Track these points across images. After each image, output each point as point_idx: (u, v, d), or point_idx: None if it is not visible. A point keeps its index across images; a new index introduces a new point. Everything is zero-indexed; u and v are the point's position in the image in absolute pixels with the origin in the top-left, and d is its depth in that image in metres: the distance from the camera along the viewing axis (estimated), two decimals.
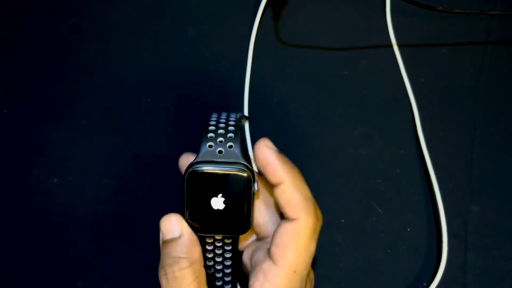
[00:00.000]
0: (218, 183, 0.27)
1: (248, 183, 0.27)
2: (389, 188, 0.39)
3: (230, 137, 0.28)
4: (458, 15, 0.43)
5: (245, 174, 0.27)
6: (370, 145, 0.41)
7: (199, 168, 0.27)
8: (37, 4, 0.45)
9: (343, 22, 0.44)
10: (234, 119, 0.29)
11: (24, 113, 0.41)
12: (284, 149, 0.40)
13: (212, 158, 0.27)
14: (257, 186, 0.28)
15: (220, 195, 0.27)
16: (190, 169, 0.27)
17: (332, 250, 0.38)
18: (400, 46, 0.43)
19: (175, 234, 0.28)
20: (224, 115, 0.30)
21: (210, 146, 0.27)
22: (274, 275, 0.27)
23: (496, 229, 0.38)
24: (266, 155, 0.27)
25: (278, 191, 0.27)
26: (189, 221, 0.28)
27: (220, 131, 0.28)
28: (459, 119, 0.41)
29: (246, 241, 0.31)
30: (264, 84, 0.42)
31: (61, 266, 0.37)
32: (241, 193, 0.27)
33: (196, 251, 0.28)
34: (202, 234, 0.29)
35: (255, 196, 0.29)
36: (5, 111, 0.41)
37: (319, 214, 0.28)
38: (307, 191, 0.28)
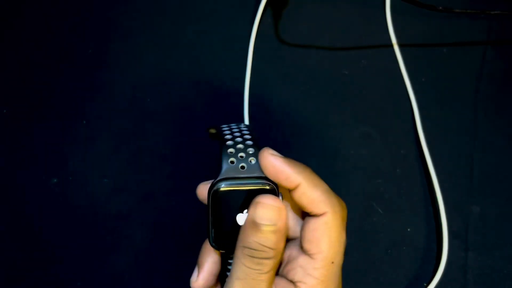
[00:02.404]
0: (243, 199, 0.27)
1: None
2: (389, 188, 0.39)
3: (250, 151, 0.27)
4: (458, 15, 0.43)
5: (269, 188, 0.27)
6: (370, 145, 0.41)
7: (224, 185, 0.26)
8: (37, 4, 0.45)
9: (343, 22, 0.44)
10: (247, 131, 0.29)
11: (24, 113, 0.41)
12: (284, 149, 0.41)
13: (236, 174, 0.27)
14: (281, 198, 0.27)
15: (246, 211, 0.27)
16: (215, 187, 0.26)
17: None
18: (400, 46, 0.43)
19: (274, 223, 0.26)
20: (234, 127, 0.29)
21: (232, 162, 0.27)
22: (313, 268, 0.27)
23: (497, 230, 0.38)
24: (275, 164, 0.26)
25: (298, 194, 0.27)
26: (215, 239, 0.27)
27: (239, 145, 0.27)
28: (459, 119, 0.41)
29: None
30: (264, 84, 0.42)
31: (61, 266, 0.37)
32: None
33: (282, 246, 0.27)
34: (227, 253, 0.28)
35: None
36: (5, 111, 0.41)
37: (343, 203, 0.28)
38: (324, 185, 0.27)
